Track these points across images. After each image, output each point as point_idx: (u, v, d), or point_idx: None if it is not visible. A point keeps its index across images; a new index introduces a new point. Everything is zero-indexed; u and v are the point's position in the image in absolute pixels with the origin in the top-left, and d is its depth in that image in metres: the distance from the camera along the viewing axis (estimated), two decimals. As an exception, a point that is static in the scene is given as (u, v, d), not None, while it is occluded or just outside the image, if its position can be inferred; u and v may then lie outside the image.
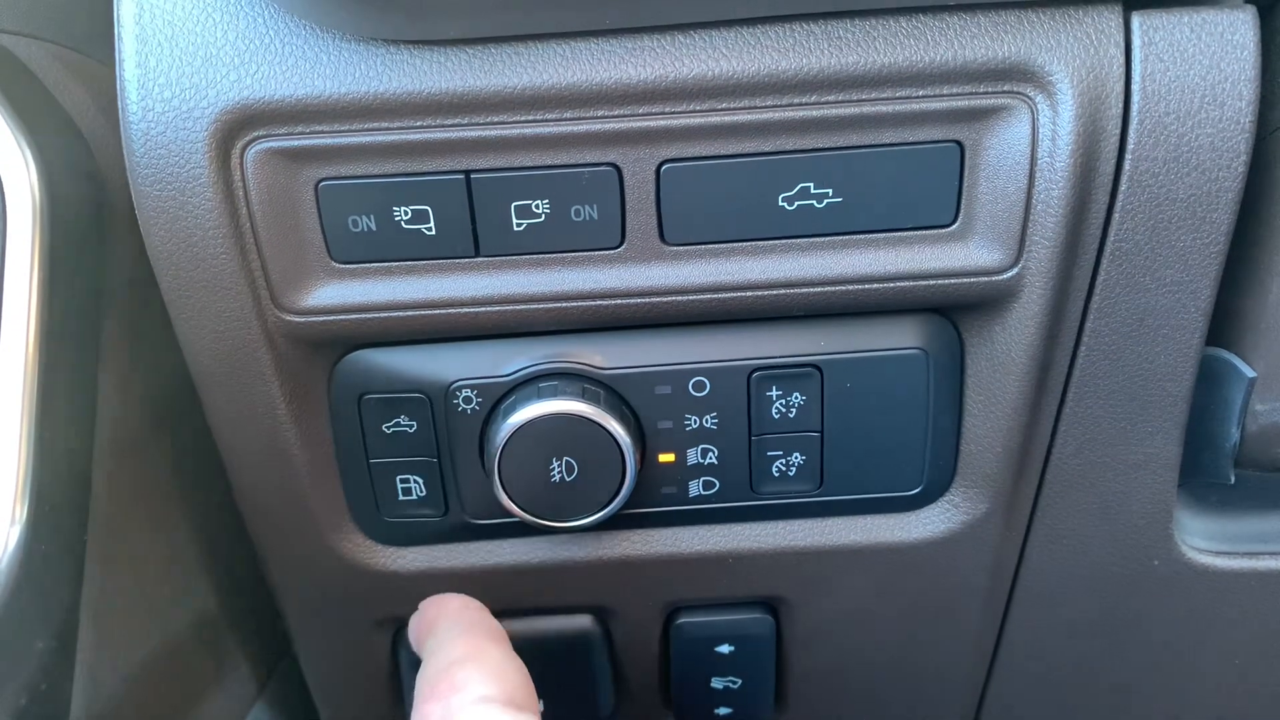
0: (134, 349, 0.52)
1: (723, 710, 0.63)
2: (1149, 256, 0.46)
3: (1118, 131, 0.43)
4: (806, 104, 0.43)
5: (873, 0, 0.42)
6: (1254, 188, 0.46)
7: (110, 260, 0.50)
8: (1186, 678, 0.64)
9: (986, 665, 0.63)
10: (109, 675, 0.52)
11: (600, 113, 0.43)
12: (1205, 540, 0.58)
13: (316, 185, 0.44)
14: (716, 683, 0.61)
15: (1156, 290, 0.47)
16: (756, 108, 0.43)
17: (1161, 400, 0.51)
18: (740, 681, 0.61)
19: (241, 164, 0.43)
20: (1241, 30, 0.42)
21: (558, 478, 0.50)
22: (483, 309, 0.47)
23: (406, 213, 0.45)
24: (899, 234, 0.46)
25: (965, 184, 0.45)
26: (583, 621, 0.59)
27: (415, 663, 0.59)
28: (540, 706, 0.46)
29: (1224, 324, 0.50)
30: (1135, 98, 0.43)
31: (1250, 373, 0.50)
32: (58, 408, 0.46)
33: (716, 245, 0.46)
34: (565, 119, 0.43)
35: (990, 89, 0.43)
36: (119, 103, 0.43)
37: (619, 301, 0.47)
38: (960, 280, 0.46)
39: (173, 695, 0.59)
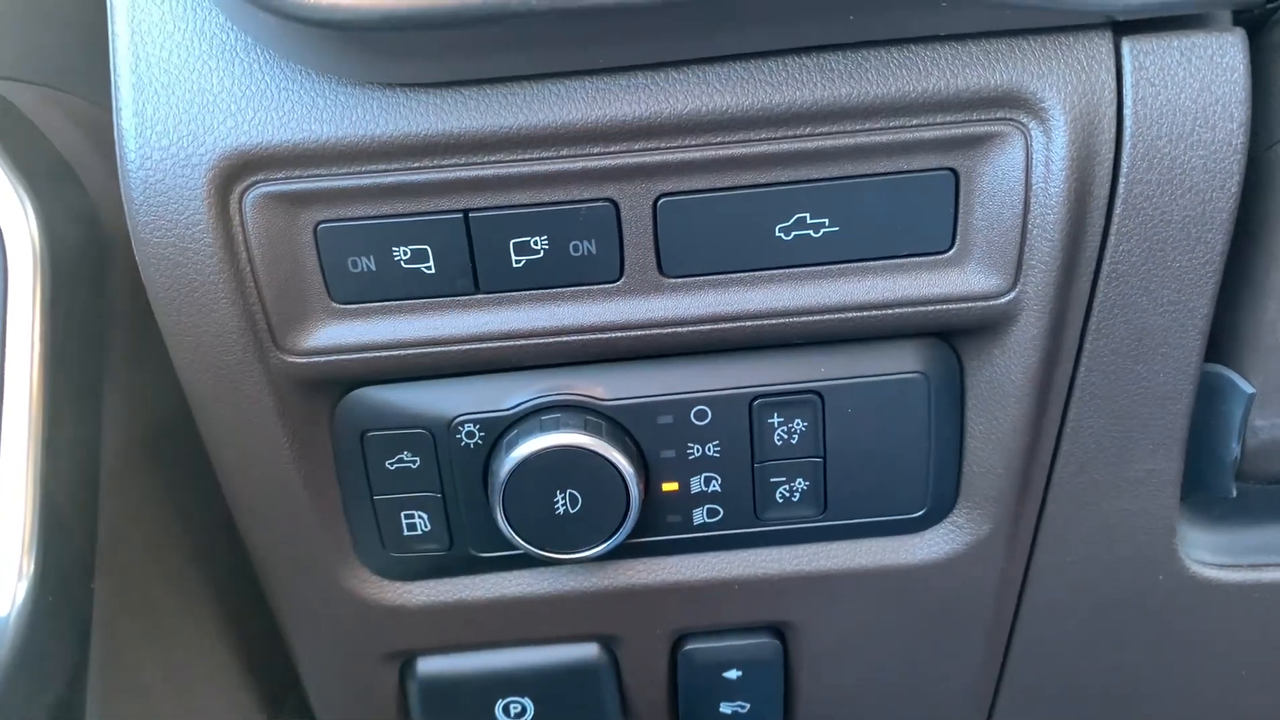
0: (135, 384, 0.52)
1: (731, 734, 0.63)
2: (1145, 278, 0.46)
3: (1111, 156, 0.44)
4: (800, 136, 0.43)
5: (864, 31, 0.42)
6: (1249, 206, 0.46)
7: (108, 298, 0.50)
8: (1193, 691, 0.64)
9: (994, 684, 0.63)
10: (118, 702, 0.52)
11: (596, 149, 0.43)
12: (1209, 553, 0.58)
13: (315, 227, 0.44)
14: (725, 708, 0.61)
15: (1153, 310, 0.47)
16: (751, 140, 0.44)
17: (1161, 418, 0.51)
18: (749, 706, 0.61)
19: (240, 208, 0.44)
20: (1231, 53, 0.43)
21: (562, 510, 0.50)
22: (483, 345, 0.47)
23: (406, 252, 0.45)
24: (896, 261, 0.46)
25: (961, 210, 0.45)
26: (590, 650, 0.59)
27: (422, 694, 0.59)
28: None
29: (1222, 340, 0.50)
30: (1128, 122, 0.43)
31: (1249, 389, 0.50)
32: (61, 453, 0.46)
33: (715, 276, 0.46)
34: (561, 156, 0.44)
35: (983, 117, 0.43)
36: (117, 150, 0.43)
37: (619, 334, 0.47)
38: (958, 306, 0.46)
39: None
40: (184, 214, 0.43)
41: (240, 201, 0.44)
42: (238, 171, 0.43)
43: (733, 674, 0.59)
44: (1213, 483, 0.54)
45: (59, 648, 0.47)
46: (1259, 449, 0.51)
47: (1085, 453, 0.52)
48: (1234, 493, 0.54)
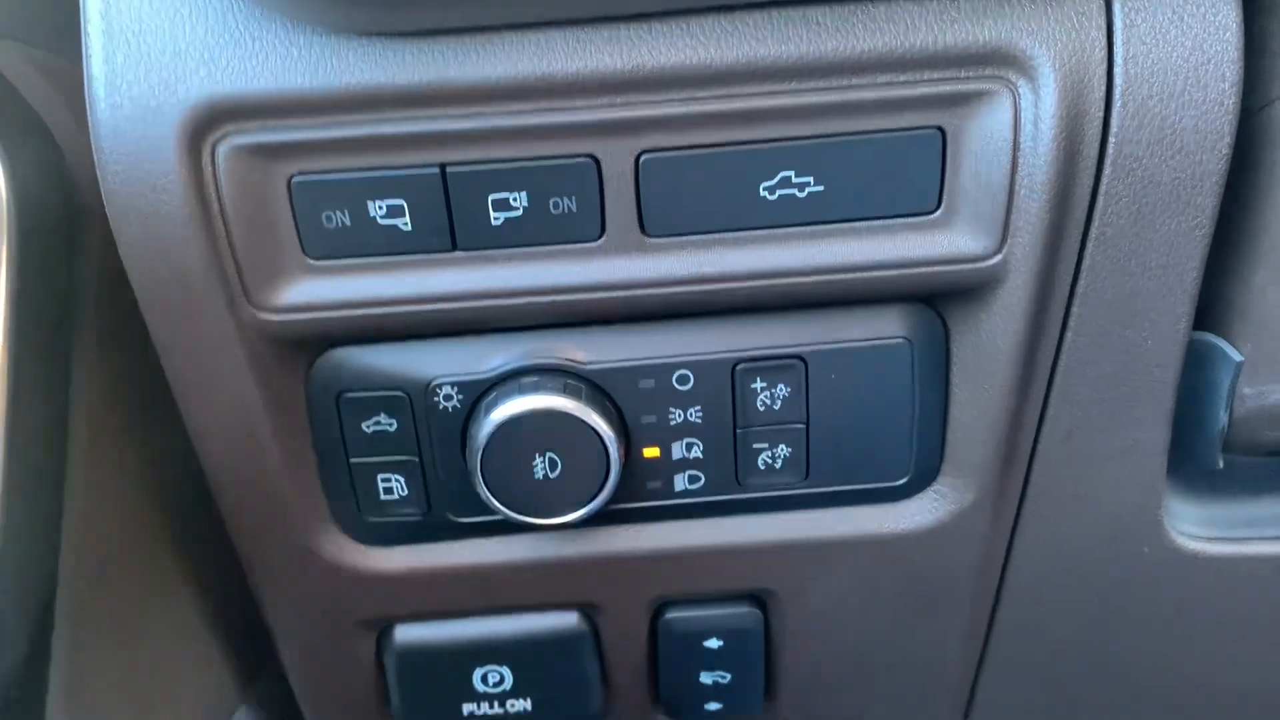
0: (107, 350, 0.51)
1: (713, 705, 0.62)
2: (1134, 241, 0.46)
3: (1100, 115, 0.43)
4: (786, 91, 0.43)
5: (851, -15, 0.41)
6: (1240, 169, 0.45)
7: (81, 260, 0.49)
8: (1177, 663, 0.63)
9: (978, 654, 0.62)
10: (86, 680, 0.51)
11: (577, 103, 0.43)
12: (1194, 526, 0.57)
13: (289, 180, 0.43)
14: (706, 678, 0.61)
15: (1142, 275, 0.47)
16: (735, 96, 0.43)
17: (1149, 386, 0.50)
18: (730, 676, 0.61)
19: (213, 160, 0.43)
20: (1224, 10, 0.42)
21: (541, 474, 0.49)
22: (461, 305, 0.46)
23: (381, 207, 0.44)
24: (881, 222, 0.45)
25: (948, 170, 0.44)
26: (569, 619, 0.58)
27: (399, 663, 0.59)
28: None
29: (1210, 308, 0.50)
30: (1118, 80, 0.43)
31: (1237, 357, 0.50)
32: (30, 413, 0.45)
33: (698, 236, 0.45)
34: (541, 110, 0.43)
35: (971, 74, 0.43)
36: (87, 100, 0.42)
37: (600, 295, 0.46)
38: (944, 268, 0.46)
39: (154, 698, 0.58)
40: (155, 165, 0.42)
41: (212, 152, 0.43)
42: (210, 121, 0.42)
43: (713, 643, 0.59)
44: (1200, 453, 0.53)
45: (22, 622, 0.46)
46: (1246, 418, 0.51)
47: (1071, 421, 0.51)
48: (1221, 463, 0.53)
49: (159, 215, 0.43)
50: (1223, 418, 0.51)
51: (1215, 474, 0.55)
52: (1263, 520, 0.58)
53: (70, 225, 0.48)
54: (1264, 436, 0.51)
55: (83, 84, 0.43)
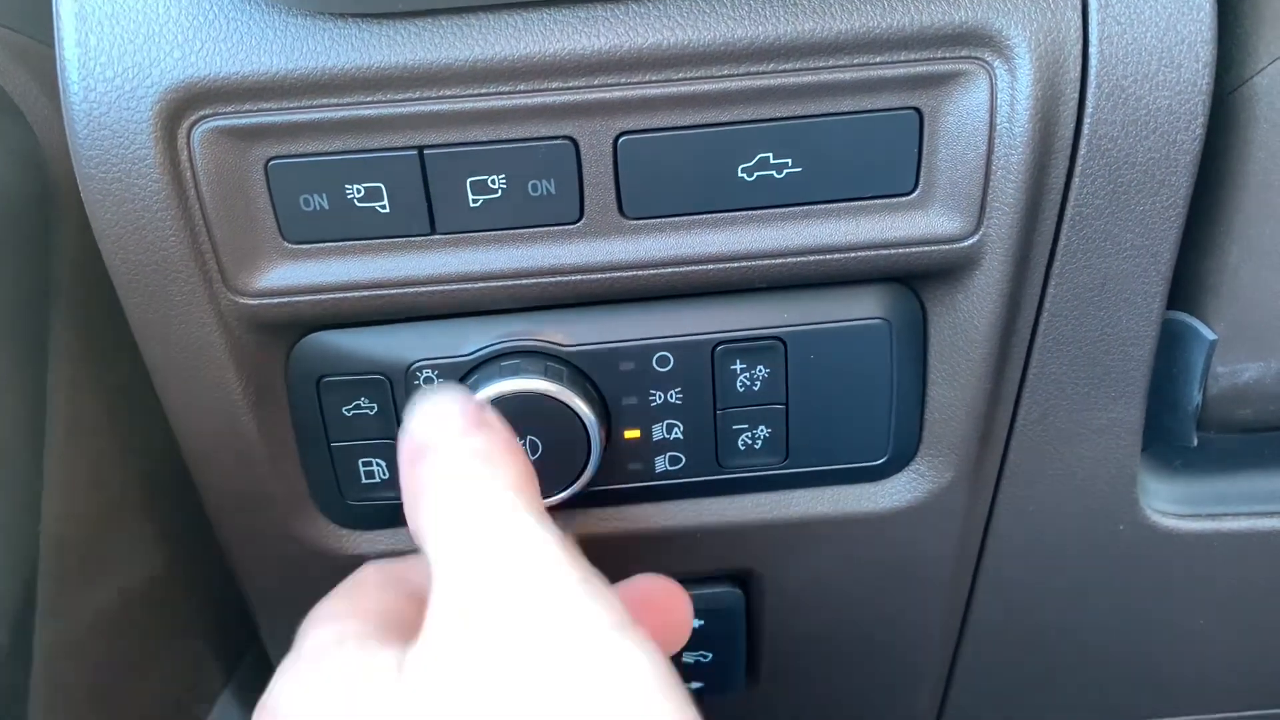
0: (84, 337, 0.51)
1: (694, 685, 0.63)
2: (1109, 221, 0.46)
3: (1076, 96, 0.43)
4: (763, 72, 0.43)
5: (828, -34, 0.41)
6: (1213, 149, 0.46)
7: (57, 246, 0.48)
8: (1154, 639, 0.64)
9: (956, 632, 0.63)
10: (67, 669, 0.51)
11: (555, 84, 0.43)
12: (1169, 503, 0.58)
13: (266, 164, 0.43)
14: (687, 657, 0.61)
15: (1117, 255, 0.47)
16: (713, 77, 0.43)
17: (1124, 365, 0.51)
18: (711, 655, 0.61)
19: (189, 144, 0.42)
20: None
21: (522, 457, 0.49)
22: (441, 288, 0.46)
23: (359, 190, 0.44)
24: (859, 203, 0.46)
25: (924, 151, 0.45)
26: (551, 600, 0.58)
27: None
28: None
29: (1184, 287, 0.50)
30: (1093, 61, 0.43)
31: (1211, 335, 0.50)
32: (5, 403, 0.45)
33: (676, 218, 0.46)
34: (519, 91, 0.43)
35: (948, 54, 0.43)
36: (60, 83, 0.42)
37: (579, 277, 0.46)
38: (921, 249, 0.46)
39: (137, 685, 0.58)
40: (130, 149, 0.42)
41: (188, 136, 0.42)
42: (185, 105, 0.42)
43: (695, 623, 0.59)
44: (1174, 431, 0.54)
45: (1, 615, 0.46)
46: (1220, 396, 0.51)
47: (1048, 400, 0.52)
48: (1195, 441, 0.54)
49: (135, 200, 0.43)
50: (1196, 396, 0.52)
51: (1190, 451, 0.55)
52: (1237, 496, 0.59)
53: (45, 210, 0.48)
54: (1237, 414, 0.52)
55: (56, 67, 0.42)
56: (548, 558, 0.36)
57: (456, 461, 0.39)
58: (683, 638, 0.49)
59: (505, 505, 0.37)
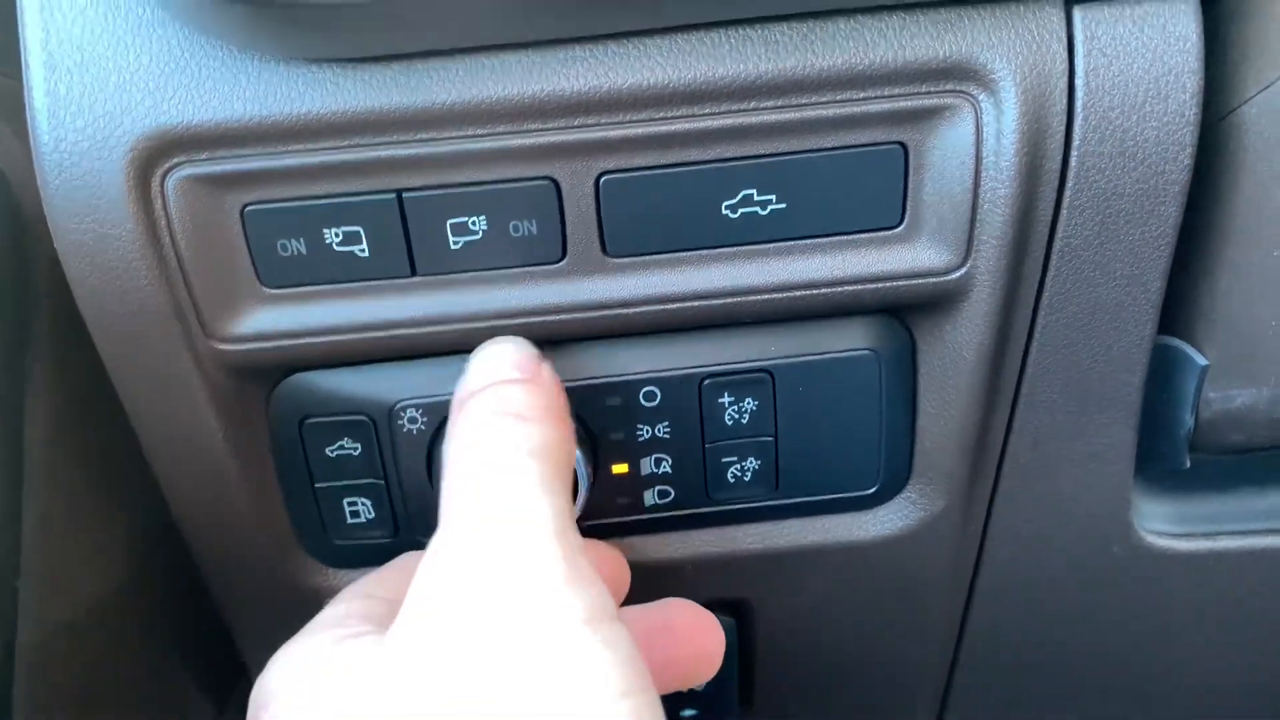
0: (64, 362, 0.50)
1: (688, 712, 0.62)
2: (1098, 252, 0.46)
3: (1063, 128, 0.43)
4: (745, 110, 0.42)
5: (808, 3, 0.41)
6: (1202, 177, 0.45)
7: (33, 274, 0.48)
8: (1150, 658, 0.64)
9: (950, 658, 0.63)
10: (54, 706, 0.50)
11: (534, 126, 0.42)
12: (1163, 523, 0.58)
13: (242, 210, 0.43)
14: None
15: (1107, 285, 0.47)
16: (695, 116, 0.42)
17: (1115, 392, 0.50)
18: (705, 684, 0.61)
19: (163, 191, 0.42)
20: (1184, 21, 0.42)
21: (509, 495, 0.49)
22: (422, 330, 0.45)
23: (338, 234, 0.43)
24: (845, 238, 0.45)
25: (910, 185, 0.44)
26: (542, 633, 0.58)
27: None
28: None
29: (1175, 313, 0.50)
30: (1079, 93, 0.42)
31: (1202, 361, 0.50)
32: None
33: (660, 256, 0.45)
34: (498, 133, 0.42)
35: (933, 89, 0.42)
36: (30, 133, 0.41)
37: (563, 317, 0.46)
38: (909, 282, 0.46)
39: (121, 702, 0.57)
40: (103, 199, 0.41)
41: (162, 184, 0.42)
42: (158, 153, 0.41)
43: (688, 654, 0.59)
44: (1167, 455, 0.54)
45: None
46: (1212, 420, 0.51)
47: (1039, 428, 0.52)
48: (1188, 464, 0.54)
49: (109, 250, 0.42)
50: (1189, 421, 0.51)
51: (1183, 471, 0.55)
52: (1230, 515, 0.58)
53: (19, 244, 0.47)
54: (1229, 439, 0.52)
55: (24, 98, 0.42)
56: (536, 540, 0.35)
57: (488, 416, 0.39)
58: (712, 669, 0.49)
59: (517, 473, 0.37)
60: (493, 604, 0.33)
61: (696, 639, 0.49)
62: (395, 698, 0.33)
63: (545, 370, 0.42)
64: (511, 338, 0.45)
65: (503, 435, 0.38)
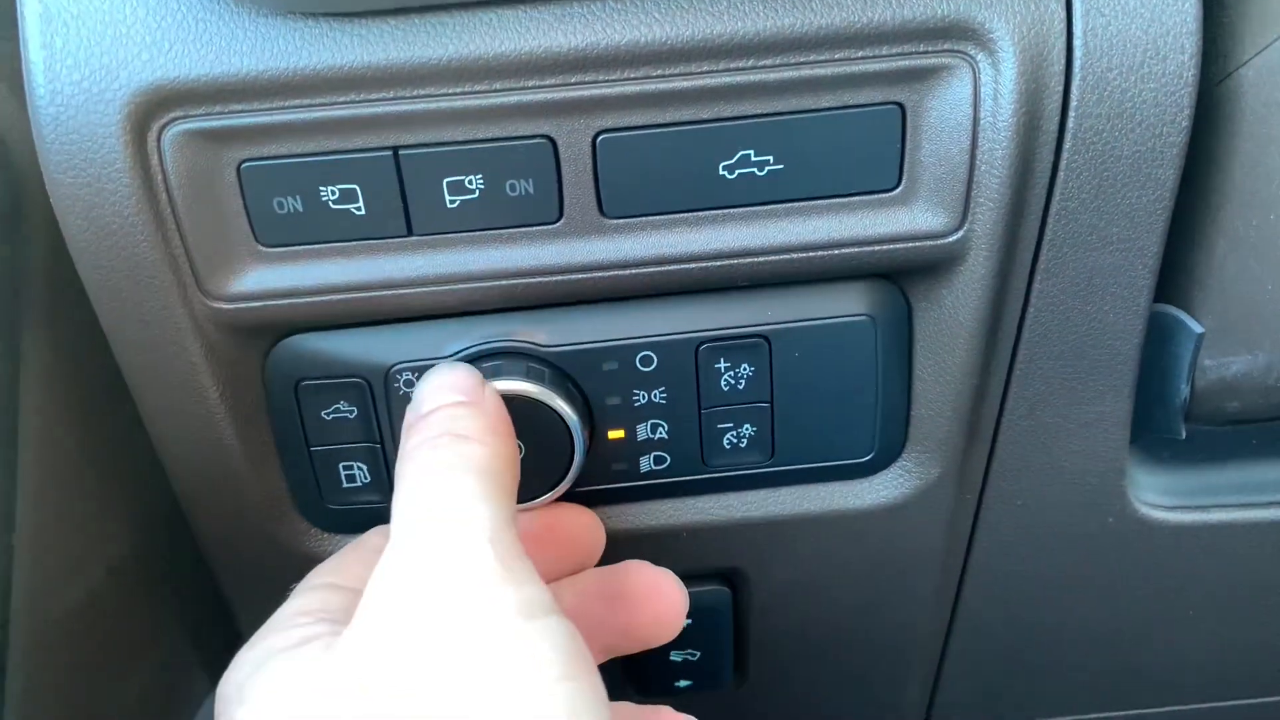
0: (59, 335, 0.50)
1: (683, 683, 0.62)
2: (1095, 215, 0.46)
3: (1060, 89, 0.43)
4: (743, 69, 0.42)
5: (808, -40, 0.41)
6: (1200, 141, 0.45)
7: (27, 242, 0.47)
8: (1144, 630, 0.64)
9: (946, 626, 0.63)
10: (47, 676, 0.50)
11: (532, 83, 0.42)
12: (1158, 495, 0.58)
13: (238, 166, 0.42)
14: (675, 655, 0.61)
15: (1103, 249, 0.46)
16: (693, 74, 0.42)
17: (1111, 359, 0.50)
18: (699, 654, 0.61)
19: (159, 147, 0.42)
20: None
21: (505, 458, 0.49)
22: (418, 290, 0.45)
23: (334, 192, 0.43)
24: (842, 200, 0.45)
25: (907, 147, 0.44)
26: (537, 601, 0.58)
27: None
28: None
29: (1171, 280, 0.50)
30: (1077, 54, 0.42)
31: (1198, 328, 0.50)
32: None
33: (657, 217, 0.45)
34: (495, 90, 0.42)
35: (930, 48, 0.42)
36: (26, 87, 0.41)
37: (560, 278, 0.46)
38: (905, 245, 0.45)
39: (119, 692, 0.57)
40: (99, 153, 0.41)
41: (159, 139, 0.42)
42: (155, 107, 0.41)
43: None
44: (1162, 424, 0.54)
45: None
46: (1207, 389, 0.51)
47: (1035, 395, 0.52)
48: (1183, 434, 0.54)
49: (105, 205, 0.42)
50: (1184, 389, 0.51)
51: (1178, 442, 0.55)
52: (1225, 487, 0.58)
53: (13, 206, 0.47)
54: (1225, 407, 0.52)
55: (21, 62, 0.41)
56: (471, 543, 0.37)
57: (432, 437, 0.41)
58: (672, 630, 0.49)
59: (456, 486, 0.39)
60: (431, 606, 0.35)
61: (654, 601, 0.49)
62: (344, 705, 0.35)
63: (488, 393, 0.45)
64: (457, 364, 0.47)
65: (446, 453, 0.40)
